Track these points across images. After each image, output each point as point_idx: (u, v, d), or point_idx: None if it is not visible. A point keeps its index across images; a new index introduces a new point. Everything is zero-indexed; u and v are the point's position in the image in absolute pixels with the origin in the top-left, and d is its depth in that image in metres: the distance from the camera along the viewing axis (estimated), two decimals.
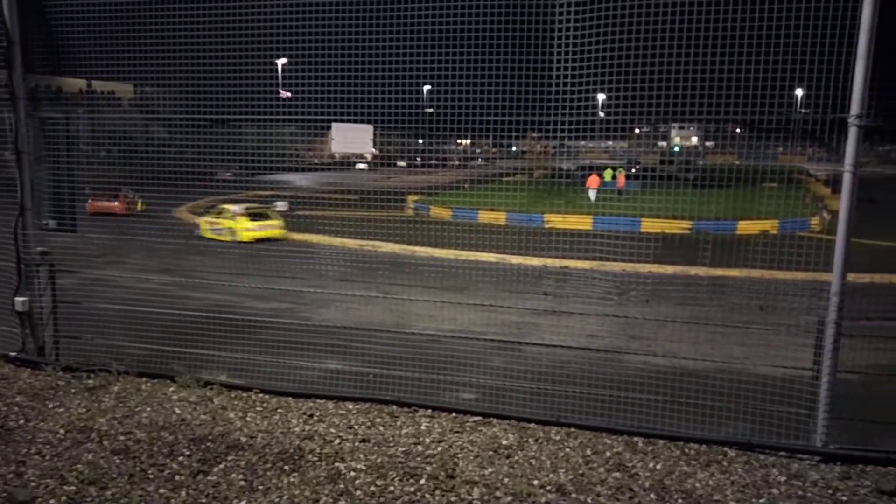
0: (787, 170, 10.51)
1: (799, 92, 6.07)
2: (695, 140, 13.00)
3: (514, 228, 11.94)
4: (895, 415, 5.82)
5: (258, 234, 9.36)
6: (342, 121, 6.63)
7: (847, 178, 4.77)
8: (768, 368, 6.25)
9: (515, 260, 10.75)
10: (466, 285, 9.28)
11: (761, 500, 4.23)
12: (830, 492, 4.36)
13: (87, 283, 7.57)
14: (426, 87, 7.47)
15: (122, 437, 4.98)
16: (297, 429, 5.17)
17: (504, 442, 5.02)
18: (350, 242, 10.02)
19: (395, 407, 5.65)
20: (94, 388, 6.07)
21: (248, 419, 5.38)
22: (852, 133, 4.73)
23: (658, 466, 4.69)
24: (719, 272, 9.44)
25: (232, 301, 9.42)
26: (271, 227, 10.32)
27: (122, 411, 5.51)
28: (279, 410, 5.59)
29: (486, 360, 7.36)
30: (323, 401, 5.79)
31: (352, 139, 5.94)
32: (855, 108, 4.70)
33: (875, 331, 5.79)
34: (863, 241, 12.92)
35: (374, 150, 9.35)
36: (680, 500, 4.20)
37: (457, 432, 5.18)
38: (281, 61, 7.39)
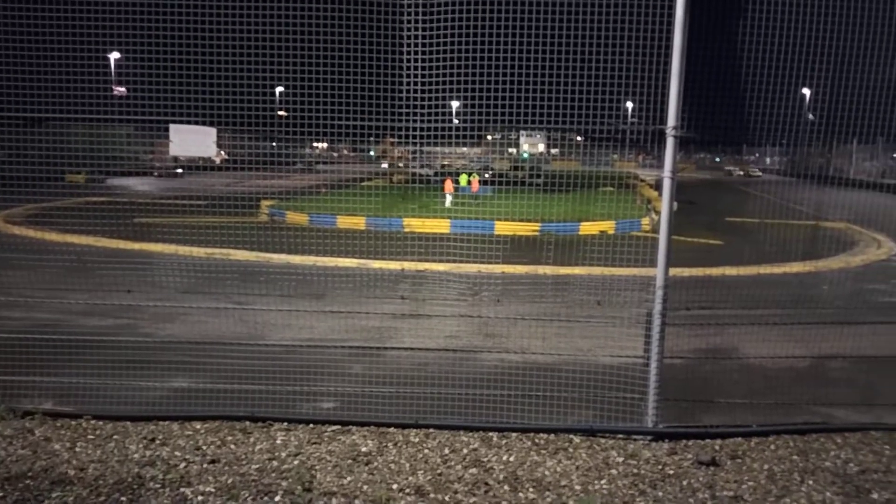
0: (621, 175, 11.48)
1: (629, 105, 6.67)
2: (541, 147, 13.80)
3: (374, 233, 11.95)
4: (713, 393, 6.58)
5: None
6: (185, 122, 6.20)
7: (667, 184, 5.31)
8: (608, 358, 6.78)
9: (376, 264, 10.74)
10: (325, 292, 9.11)
11: (602, 481, 4.57)
12: (660, 467, 4.81)
13: None
14: (279, 90, 7.23)
15: None
16: (136, 455, 4.74)
17: (363, 449, 4.98)
18: (198, 251, 9.42)
19: (248, 423, 5.39)
20: None
21: (77, 450, 4.84)
22: (670, 143, 5.28)
23: (511, 458, 4.90)
24: (565, 270, 10.10)
25: (59, 320, 8.45)
26: None
27: None
28: (115, 437, 5.10)
29: (346, 368, 7.26)
30: (167, 422, 5.37)
31: (192, 142, 5.58)
32: (671, 120, 5.25)
33: (694, 319, 6.51)
34: (685, 238, 14.50)
35: (222, 153, 8.87)
36: (531, 489, 4.42)
37: (314, 443, 5.05)
38: (114, 56, 6.76)
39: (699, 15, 5.27)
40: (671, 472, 4.74)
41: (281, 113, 7.10)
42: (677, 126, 5.25)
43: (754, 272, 10.42)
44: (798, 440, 5.34)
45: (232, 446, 4.96)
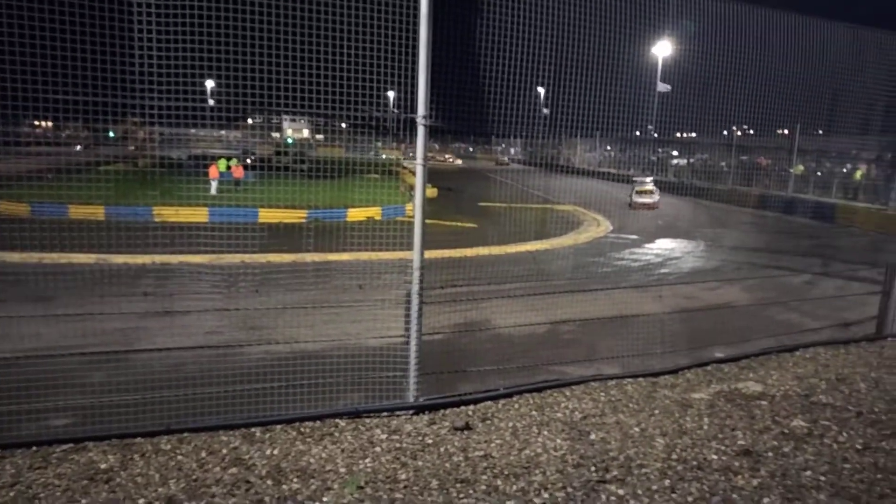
0: (386, 162, 11.79)
1: (391, 94, 6.84)
2: (306, 133, 13.57)
3: (116, 224, 10.63)
4: (468, 363, 7.15)
5: None
6: None
7: (419, 170, 5.58)
8: (375, 340, 6.97)
9: (119, 259, 9.60)
10: (54, 293, 7.90)
11: (367, 460, 4.67)
12: (420, 438, 5.08)
13: None
14: None
15: None
16: None
17: (102, 466, 4.42)
18: None
19: None
20: None
21: None
22: (420, 131, 5.54)
23: (275, 452, 4.76)
24: (333, 257, 10.11)
25: None
26: None
27: None
28: None
29: (83, 378, 6.38)
30: None
31: None
32: (421, 109, 5.50)
33: (449, 296, 7.01)
34: (443, 222, 15.50)
35: None
36: (295, 479, 4.34)
37: (39, 468, 4.35)
38: None
39: (443, 12, 5.58)
40: (430, 441, 5.03)
41: None
42: (427, 115, 5.52)
43: (501, 251, 11.56)
44: (537, 397, 6.05)
45: None
